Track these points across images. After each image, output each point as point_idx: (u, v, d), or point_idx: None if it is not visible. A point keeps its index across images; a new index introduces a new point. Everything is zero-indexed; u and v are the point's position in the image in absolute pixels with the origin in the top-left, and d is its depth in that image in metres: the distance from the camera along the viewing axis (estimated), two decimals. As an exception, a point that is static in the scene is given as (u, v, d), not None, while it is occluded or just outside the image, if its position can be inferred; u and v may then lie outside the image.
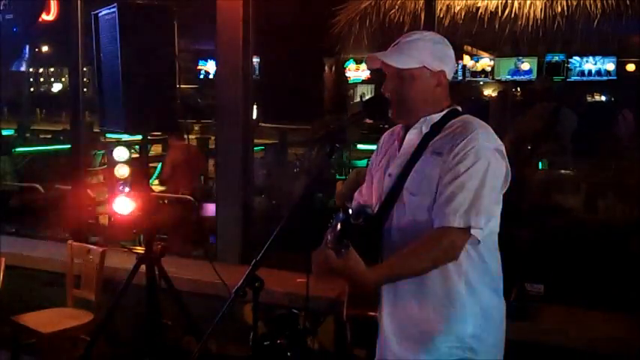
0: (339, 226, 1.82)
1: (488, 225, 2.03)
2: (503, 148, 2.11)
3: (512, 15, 6.20)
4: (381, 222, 2.13)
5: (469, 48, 10.99)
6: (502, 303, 2.19)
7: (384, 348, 2.17)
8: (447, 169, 2.02)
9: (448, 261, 2.02)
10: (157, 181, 8.02)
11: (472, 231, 1.99)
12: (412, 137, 2.16)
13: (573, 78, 10.48)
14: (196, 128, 11.28)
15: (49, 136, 10.98)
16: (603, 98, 13.40)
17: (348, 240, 1.82)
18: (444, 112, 2.15)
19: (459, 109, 2.20)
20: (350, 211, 1.91)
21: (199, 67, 16.53)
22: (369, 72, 13.62)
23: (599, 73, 10.44)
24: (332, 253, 1.84)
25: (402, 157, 2.16)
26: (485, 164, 2.01)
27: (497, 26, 6.31)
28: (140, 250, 4.79)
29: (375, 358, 2.22)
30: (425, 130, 2.14)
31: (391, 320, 2.15)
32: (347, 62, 14.52)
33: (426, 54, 2.12)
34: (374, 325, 2.13)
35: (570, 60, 10.32)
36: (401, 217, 2.11)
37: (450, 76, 2.18)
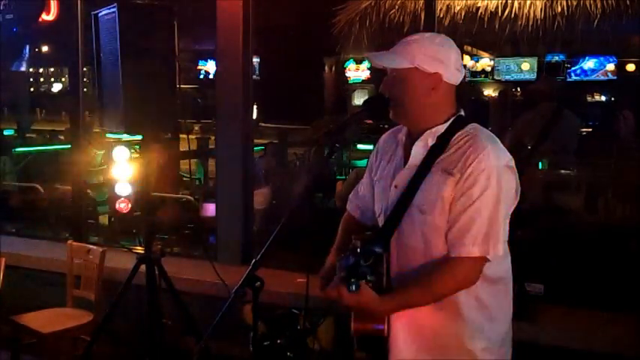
0: (348, 270, 1.87)
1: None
2: (512, 162, 2.08)
3: (512, 15, 6.20)
4: (388, 237, 2.10)
5: (469, 48, 10.99)
6: (510, 310, 2.19)
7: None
8: (459, 192, 2.00)
9: (467, 287, 2.03)
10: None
11: (488, 256, 2.00)
12: (419, 150, 2.11)
13: (573, 78, 10.49)
14: (196, 128, 11.27)
15: (47, 135, 10.97)
16: (603, 98, 13.39)
17: (358, 281, 1.86)
18: (450, 123, 2.11)
19: (463, 115, 2.16)
20: (359, 250, 1.93)
21: (199, 67, 16.54)
22: (368, 72, 13.62)
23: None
24: (344, 291, 1.87)
25: (409, 170, 2.11)
26: (497, 186, 1.99)
27: (497, 26, 6.30)
28: (140, 250, 4.79)
29: None
30: (431, 142, 2.09)
31: (403, 335, 2.13)
32: (347, 62, 14.51)
33: (418, 55, 2.07)
34: (382, 340, 2.13)
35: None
36: (409, 232, 2.09)
37: (449, 79, 2.12)
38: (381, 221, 2.19)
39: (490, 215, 1.99)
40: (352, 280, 1.85)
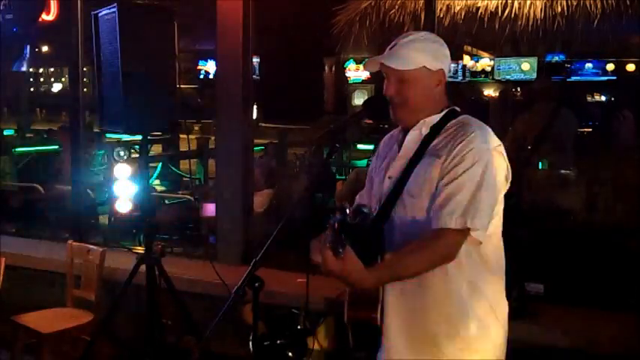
0: (336, 225, 1.82)
1: (488, 225, 2.03)
2: (502, 147, 2.11)
3: (512, 15, 6.22)
4: (381, 223, 2.13)
5: (469, 48, 10.99)
6: (505, 302, 2.19)
7: (388, 349, 2.17)
8: (445, 170, 2.03)
9: (445, 262, 2.02)
10: (157, 181, 8.03)
11: (472, 233, 2.00)
12: (412, 139, 2.16)
13: (573, 78, 10.50)
14: (196, 128, 11.30)
15: (45, 135, 10.96)
16: (603, 98, 13.40)
17: (345, 238, 1.83)
18: (443, 113, 2.15)
19: (458, 109, 2.20)
20: (347, 210, 1.91)
21: (199, 67, 16.57)
22: (368, 72, 13.61)
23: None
24: (330, 255, 1.83)
25: (402, 160, 2.16)
26: (483, 165, 2.01)
27: (497, 26, 6.32)
28: (140, 250, 4.79)
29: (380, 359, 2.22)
30: (424, 132, 2.14)
31: (396, 322, 2.14)
32: (347, 62, 14.52)
33: (424, 54, 2.12)
34: (376, 328, 2.13)
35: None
36: (401, 218, 2.11)
37: (447, 74, 2.18)
38: (376, 212, 2.20)
39: (473, 192, 1.99)
40: (340, 236, 1.83)
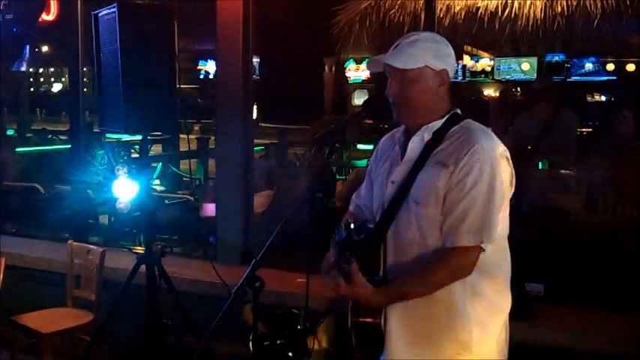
0: (341, 243, 1.85)
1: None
2: (507, 152, 2.10)
3: (512, 15, 6.23)
4: (383, 229, 2.12)
5: (469, 48, 10.99)
6: (508, 304, 2.19)
7: (390, 351, 2.17)
8: (453, 183, 2.02)
9: (461, 278, 2.04)
10: (157, 181, 8.03)
11: (483, 245, 2.01)
12: (414, 145, 2.14)
13: (573, 78, 10.49)
14: (196, 128, 11.30)
15: (50, 136, 10.96)
16: (603, 98, 13.39)
17: (351, 256, 1.85)
18: (445, 119, 2.14)
19: (459, 112, 2.19)
20: (352, 225, 1.93)
21: (199, 67, 16.57)
22: (368, 72, 13.59)
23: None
24: (341, 281, 1.88)
25: (405, 165, 2.14)
26: (491, 176, 2.01)
27: (497, 26, 6.33)
28: (140, 250, 4.79)
29: None
30: (427, 137, 2.12)
31: (398, 326, 2.14)
32: (347, 62, 14.51)
33: (427, 54, 2.11)
34: (379, 332, 2.13)
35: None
36: (405, 225, 2.10)
37: (451, 75, 2.17)
38: (378, 217, 2.20)
39: (484, 205, 2.00)
40: (345, 253, 1.85)
